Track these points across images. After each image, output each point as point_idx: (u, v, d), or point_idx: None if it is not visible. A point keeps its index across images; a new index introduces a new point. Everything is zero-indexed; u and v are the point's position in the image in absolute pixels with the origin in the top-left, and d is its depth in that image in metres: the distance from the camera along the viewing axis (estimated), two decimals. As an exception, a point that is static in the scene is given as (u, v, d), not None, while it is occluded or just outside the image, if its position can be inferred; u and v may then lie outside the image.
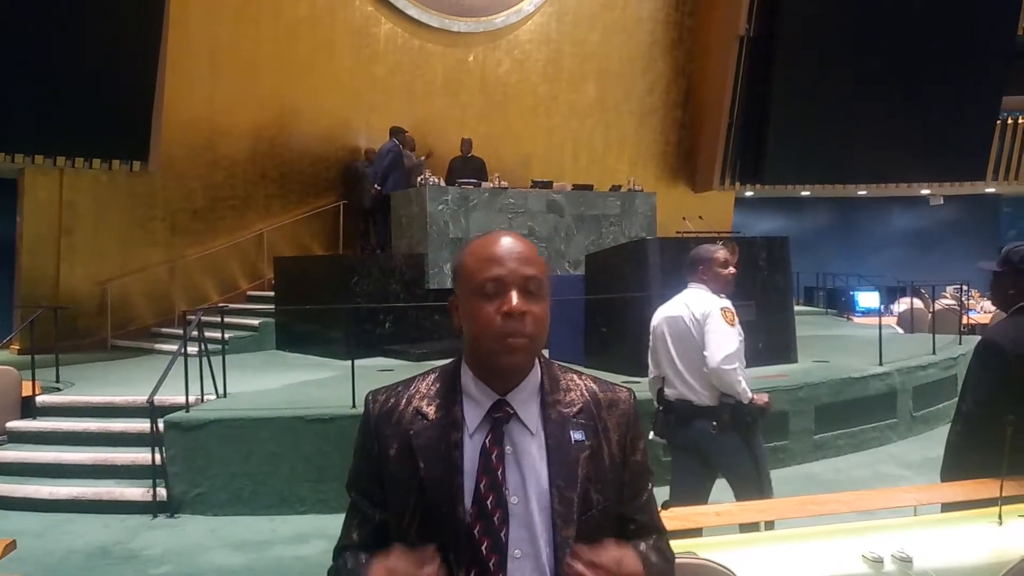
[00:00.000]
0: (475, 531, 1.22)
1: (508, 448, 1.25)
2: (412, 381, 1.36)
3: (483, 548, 1.22)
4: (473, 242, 1.31)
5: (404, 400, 1.32)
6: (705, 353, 3.45)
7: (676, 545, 2.38)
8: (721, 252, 3.64)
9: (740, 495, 3.53)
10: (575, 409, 1.30)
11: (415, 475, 1.25)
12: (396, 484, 1.28)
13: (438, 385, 1.32)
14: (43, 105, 8.20)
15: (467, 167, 10.28)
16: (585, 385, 1.35)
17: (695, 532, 2.72)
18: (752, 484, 3.52)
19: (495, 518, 1.22)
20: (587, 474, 1.26)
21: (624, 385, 1.40)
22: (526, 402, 1.28)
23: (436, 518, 1.23)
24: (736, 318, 3.53)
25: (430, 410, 1.29)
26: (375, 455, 1.30)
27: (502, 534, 1.22)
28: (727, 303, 3.55)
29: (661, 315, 3.75)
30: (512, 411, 1.27)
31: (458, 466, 1.24)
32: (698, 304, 3.56)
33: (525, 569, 1.22)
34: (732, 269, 3.66)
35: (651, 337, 3.78)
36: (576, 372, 1.38)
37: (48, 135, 8.55)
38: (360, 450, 1.35)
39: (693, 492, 3.60)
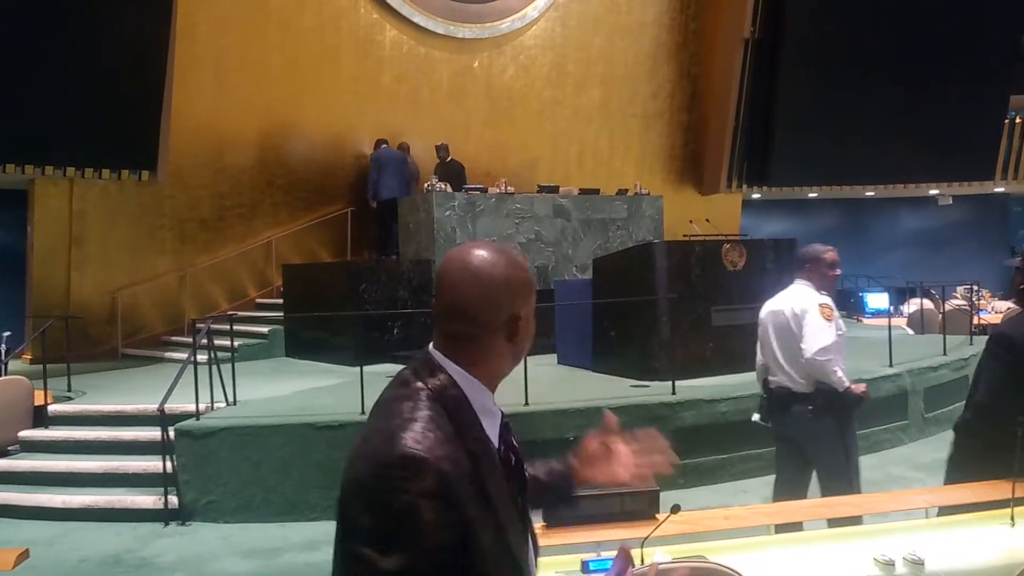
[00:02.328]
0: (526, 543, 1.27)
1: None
2: (427, 421, 1.13)
3: (532, 550, 1.28)
4: (513, 255, 1.25)
5: (455, 445, 1.13)
6: (801, 345, 3.66)
7: (686, 549, 2.38)
8: (830, 254, 3.84)
9: (827, 484, 3.63)
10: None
11: (495, 520, 1.14)
12: (484, 543, 1.11)
13: (460, 415, 1.17)
14: (52, 116, 8.26)
15: (449, 173, 10.31)
16: None
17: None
18: (841, 473, 3.64)
19: (526, 529, 1.29)
20: None
21: None
22: None
23: (515, 549, 1.19)
24: (834, 313, 3.75)
25: (474, 446, 1.16)
26: (459, 522, 1.08)
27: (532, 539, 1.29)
28: (826, 300, 3.77)
29: (767, 309, 3.98)
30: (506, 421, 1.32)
31: (517, 487, 1.27)
32: (799, 300, 3.78)
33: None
34: (838, 271, 3.87)
35: (759, 328, 4.02)
36: None
37: (58, 146, 8.61)
38: (437, 523, 1.06)
39: (793, 484, 3.80)
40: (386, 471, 1.07)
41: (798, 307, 3.75)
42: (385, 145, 10.64)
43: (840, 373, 3.65)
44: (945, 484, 3.07)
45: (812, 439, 3.71)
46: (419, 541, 1.05)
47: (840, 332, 3.73)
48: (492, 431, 1.22)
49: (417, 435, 1.10)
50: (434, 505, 1.05)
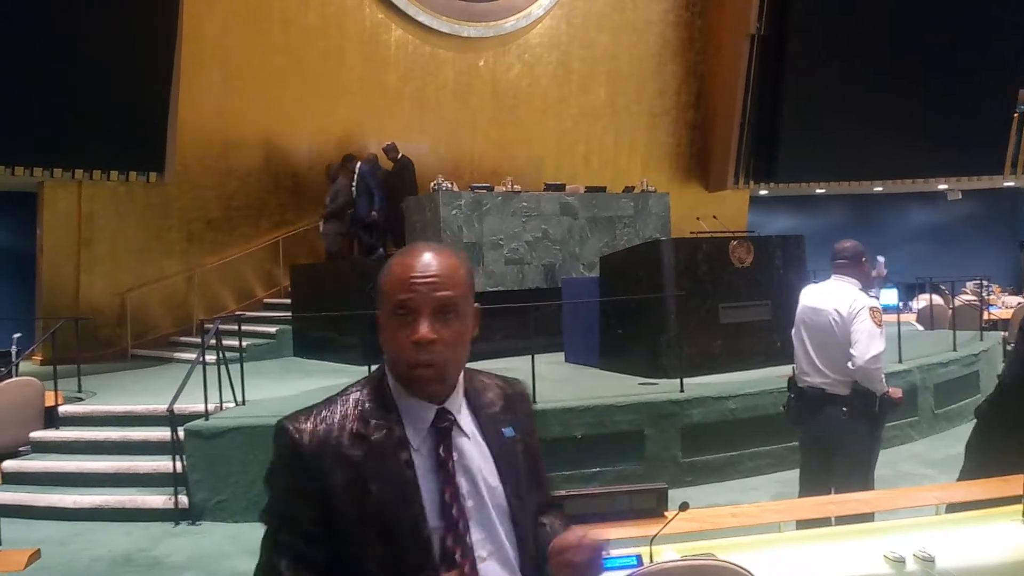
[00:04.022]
0: (446, 543, 1.21)
1: (455, 455, 1.26)
2: (332, 403, 1.27)
3: (456, 556, 1.21)
4: (394, 256, 1.28)
5: (336, 425, 1.23)
6: (852, 351, 3.50)
7: (695, 547, 2.38)
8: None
9: (845, 482, 3.57)
10: (498, 408, 1.34)
11: (368, 504, 1.19)
12: (347, 519, 1.19)
13: (369, 404, 1.26)
14: (61, 119, 8.31)
15: (402, 170, 10.27)
16: (493, 382, 1.39)
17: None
18: (862, 471, 3.60)
19: (459, 525, 1.23)
20: (523, 467, 1.33)
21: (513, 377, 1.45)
22: (461, 407, 1.30)
23: (399, 542, 1.19)
24: (883, 318, 3.61)
25: (370, 432, 1.22)
26: (312, 492, 1.19)
27: (467, 539, 1.23)
28: (876, 303, 3.63)
29: (803, 303, 3.83)
30: (453, 418, 1.27)
31: (416, 485, 1.21)
32: (846, 300, 3.60)
33: (493, 568, 1.25)
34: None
35: (796, 319, 3.89)
36: (476, 370, 1.39)
37: (66, 148, 8.66)
38: (289, 490, 1.22)
39: (819, 487, 3.70)
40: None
41: (845, 308, 3.55)
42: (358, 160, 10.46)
43: (884, 380, 3.58)
44: (963, 469, 3.10)
45: (841, 440, 3.62)
46: (273, 502, 1.25)
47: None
48: (413, 428, 1.24)
49: (299, 411, 1.25)
50: (285, 472, 1.23)
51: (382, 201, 10.18)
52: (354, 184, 10.11)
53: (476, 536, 1.23)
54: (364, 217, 10.12)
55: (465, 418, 1.29)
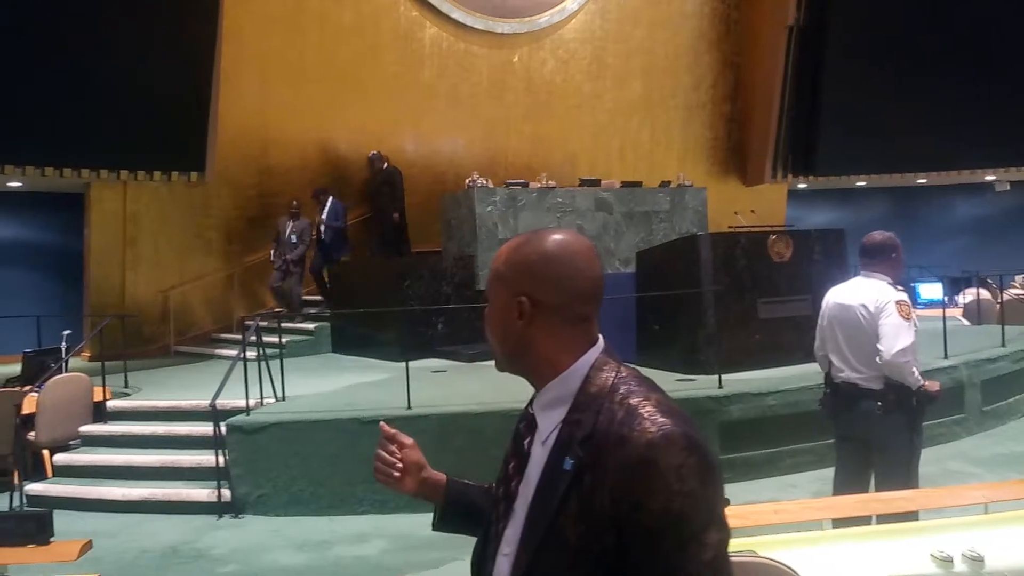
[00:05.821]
0: (491, 514, 1.30)
1: (533, 448, 1.23)
2: None
3: (489, 531, 1.29)
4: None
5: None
6: (879, 346, 3.49)
7: (735, 544, 2.36)
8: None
9: (885, 478, 3.54)
10: (582, 434, 1.13)
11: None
12: None
13: None
14: (106, 122, 8.52)
15: (388, 180, 10.34)
16: (615, 410, 1.13)
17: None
18: (901, 469, 3.55)
19: (499, 508, 1.27)
20: (567, 509, 1.11)
21: (664, 428, 1.09)
22: (546, 408, 1.22)
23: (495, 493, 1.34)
24: (912, 311, 3.58)
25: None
26: None
27: (499, 526, 1.25)
28: (903, 296, 3.60)
29: (832, 300, 3.81)
30: (531, 411, 1.26)
31: (507, 457, 1.31)
32: (874, 295, 3.59)
33: (504, 569, 1.20)
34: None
35: (821, 315, 3.88)
36: (635, 392, 1.15)
37: (112, 150, 8.87)
38: None
39: (855, 484, 3.68)
40: None
41: (872, 304, 3.54)
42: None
43: (916, 373, 3.52)
44: None
45: (879, 436, 3.57)
46: None
47: (915, 329, 3.58)
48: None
49: None
50: None
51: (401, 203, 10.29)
52: (324, 214, 9.91)
53: (510, 532, 1.21)
54: (332, 254, 10.02)
55: (549, 420, 1.21)
